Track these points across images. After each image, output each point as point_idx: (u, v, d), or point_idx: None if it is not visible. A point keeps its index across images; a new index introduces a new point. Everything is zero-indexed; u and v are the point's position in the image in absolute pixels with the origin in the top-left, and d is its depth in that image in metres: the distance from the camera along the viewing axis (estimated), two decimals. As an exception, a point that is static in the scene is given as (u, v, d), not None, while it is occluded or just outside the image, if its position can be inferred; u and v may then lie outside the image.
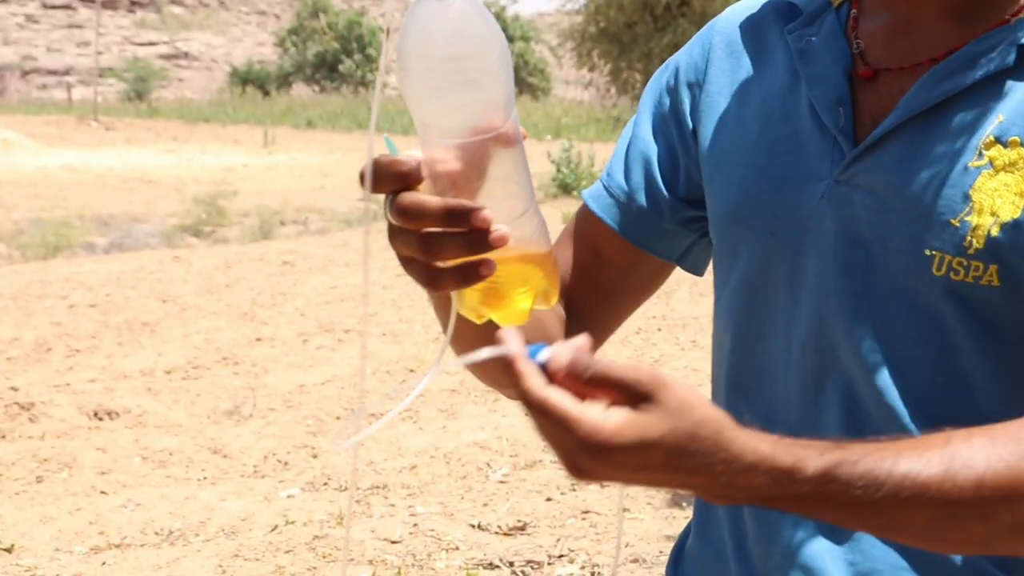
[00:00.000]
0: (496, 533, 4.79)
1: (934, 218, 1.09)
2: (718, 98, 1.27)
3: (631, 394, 0.90)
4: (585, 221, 1.35)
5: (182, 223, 16.27)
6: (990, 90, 1.10)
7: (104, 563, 4.66)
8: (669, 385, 0.90)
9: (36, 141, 29.40)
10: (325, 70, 54.98)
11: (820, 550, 1.16)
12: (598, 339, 1.31)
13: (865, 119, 1.16)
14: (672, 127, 1.31)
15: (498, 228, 0.96)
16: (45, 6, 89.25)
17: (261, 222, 16.34)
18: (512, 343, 0.92)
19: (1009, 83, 1.09)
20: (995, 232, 1.07)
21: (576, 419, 0.88)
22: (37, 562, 4.66)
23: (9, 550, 4.80)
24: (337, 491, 5.41)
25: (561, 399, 0.89)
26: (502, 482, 5.39)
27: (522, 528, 4.80)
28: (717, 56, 1.28)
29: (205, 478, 5.74)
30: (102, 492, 5.58)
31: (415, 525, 4.89)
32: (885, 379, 1.12)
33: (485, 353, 0.93)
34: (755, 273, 1.21)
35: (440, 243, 0.97)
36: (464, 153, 0.98)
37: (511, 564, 4.43)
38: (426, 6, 0.96)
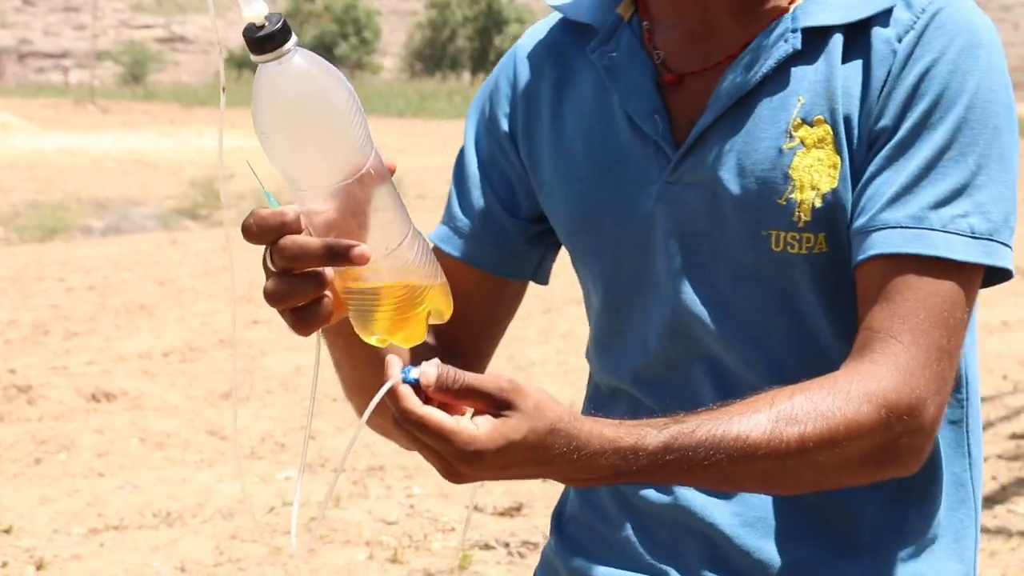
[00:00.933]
0: (491, 514, 4.80)
1: (763, 201, 1.19)
2: (535, 124, 1.32)
3: (493, 402, 1.00)
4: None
5: (179, 206, 16.26)
6: (786, 76, 1.19)
7: (102, 544, 4.66)
8: (525, 391, 1.00)
9: (33, 124, 29.34)
10: (322, 52, 54.84)
11: (709, 504, 1.23)
12: (480, 368, 1.39)
13: (681, 121, 1.23)
14: (499, 156, 1.35)
15: (363, 248, 1.01)
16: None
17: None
18: (392, 368, 1.01)
19: (802, 67, 1.19)
20: (818, 204, 1.17)
21: (452, 432, 0.99)
22: (35, 543, 4.66)
23: (8, 531, 4.80)
24: (334, 473, 5.41)
25: (438, 416, 1.00)
26: (497, 464, 5.41)
27: (517, 509, 4.81)
28: (523, 83, 1.33)
29: (203, 460, 5.74)
30: (100, 474, 5.58)
31: (411, 506, 4.90)
32: (747, 352, 1.21)
33: (380, 393, 1.01)
34: (609, 279, 1.28)
35: (299, 258, 1.04)
36: (334, 199, 1.03)
37: (507, 545, 4.44)
38: (267, 71, 1.02)
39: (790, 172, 1.18)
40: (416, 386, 1.01)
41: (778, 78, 1.20)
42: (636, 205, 1.25)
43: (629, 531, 1.29)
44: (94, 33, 52.94)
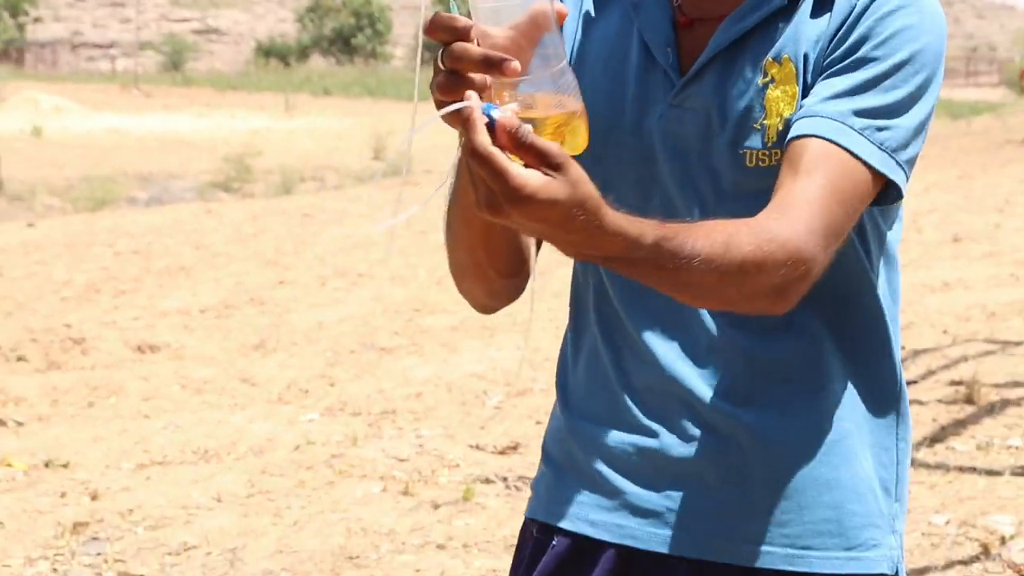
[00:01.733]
0: (492, 452, 4.81)
1: (743, 125, 1.27)
2: (575, 33, 1.38)
3: (547, 162, 1.00)
4: None
5: (214, 180, 16.19)
6: (770, 26, 1.28)
7: (148, 478, 4.67)
8: (573, 163, 1.02)
9: (84, 107, 29.20)
10: (340, 43, 54.61)
11: (692, 375, 1.29)
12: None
13: (686, 57, 1.32)
14: None
15: (515, 64, 1.03)
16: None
17: (283, 179, 16.27)
18: (473, 99, 1.02)
19: (782, 21, 1.28)
20: (781, 127, 1.26)
21: (512, 173, 0.99)
22: (90, 476, 4.67)
23: (66, 466, 4.81)
24: (352, 416, 5.41)
25: (502, 155, 0.99)
26: (497, 408, 5.41)
27: (515, 448, 4.82)
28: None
29: (236, 404, 5.74)
30: (146, 416, 5.58)
31: (420, 446, 4.91)
32: None
33: (453, 107, 1.02)
34: (612, 177, 1.31)
35: (464, 61, 1.05)
36: (503, 21, 1.07)
37: (505, 479, 4.44)
38: None
39: (764, 102, 1.27)
40: (489, 126, 1.01)
41: (764, 28, 1.29)
42: (643, 119, 1.32)
43: (626, 399, 1.32)
44: (138, 26, 52.61)
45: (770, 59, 1.27)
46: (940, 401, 5.06)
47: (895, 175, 1.23)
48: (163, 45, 55.82)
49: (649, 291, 1.26)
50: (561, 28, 1.09)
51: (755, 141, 1.27)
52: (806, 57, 1.26)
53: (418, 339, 6.79)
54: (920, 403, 5.05)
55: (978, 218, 10.16)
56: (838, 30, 1.25)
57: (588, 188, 1.03)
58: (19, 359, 6.56)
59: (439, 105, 1.07)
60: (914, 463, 4.38)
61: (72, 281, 8.67)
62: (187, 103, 32.83)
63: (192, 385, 6.05)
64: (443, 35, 1.06)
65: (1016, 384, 5.24)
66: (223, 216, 12.07)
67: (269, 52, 54.83)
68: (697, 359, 1.29)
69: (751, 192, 1.27)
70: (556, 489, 1.36)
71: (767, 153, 1.26)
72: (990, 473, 4.23)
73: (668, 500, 1.28)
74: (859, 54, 1.24)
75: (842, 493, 1.30)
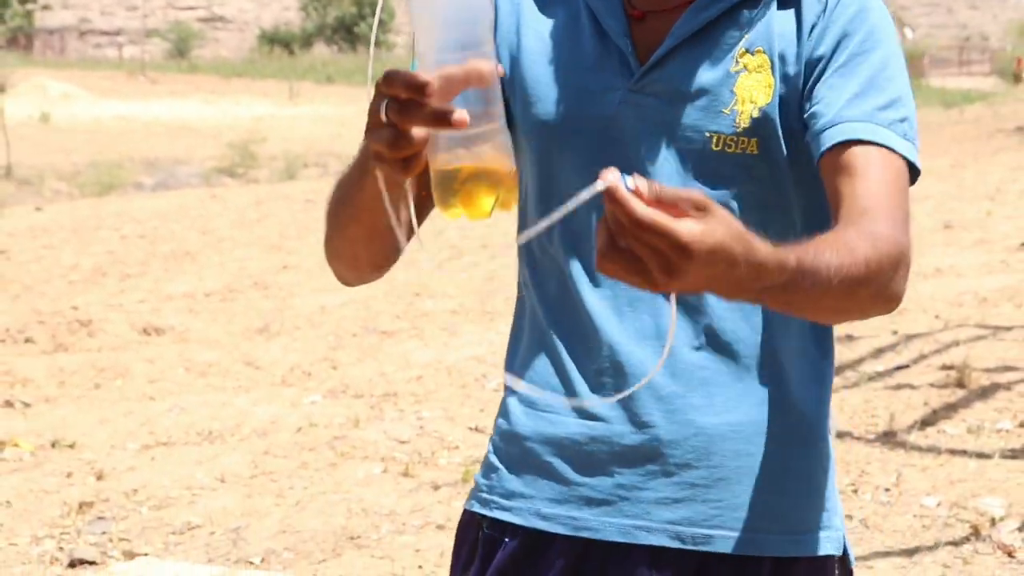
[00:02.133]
0: (491, 435, 4.80)
1: (710, 110, 1.28)
2: (516, 32, 1.36)
3: (696, 206, 0.96)
4: None
5: (218, 165, 16.18)
6: (735, 17, 1.29)
7: (153, 458, 4.66)
8: (714, 202, 0.98)
9: (92, 94, 29.13)
10: (343, 32, 54.47)
11: (643, 361, 1.27)
12: None
13: (641, 47, 1.32)
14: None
15: (462, 114, 1.01)
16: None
17: (287, 165, 16.24)
18: (611, 175, 0.95)
19: (747, 11, 1.29)
20: (755, 114, 1.27)
21: (677, 227, 0.94)
22: (96, 457, 4.66)
23: (72, 446, 4.80)
24: (354, 398, 5.41)
25: (660, 214, 0.94)
26: (496, 391, 5.40)
27: (513, 430, 4.81)
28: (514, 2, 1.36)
29: (239, 387, 5.74)
30: (151, 398, 5.58)
31: (421, 427, 4.90)
32: None
33: (599, 186, 0.95)
34: (575, 165, 1.30)
35: (412, 116, 1.03)
36: (446, 71, 1.04)
37: (503, 461, 4.44)
38: None
39: (735, 90, 1.28)
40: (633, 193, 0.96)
41: (728, 18, 1.29)
42: (602, 106, 1.31)
43: (576, 388, 1.30)
44: (144, 14, 52.49)
45: (743, 49, 1.28)
46: (932, 385, 5.05)
47: (918, 161, 1.27)
48: (169, 33, 55.65)
49: (597, 277, 1.28)
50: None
51: (722, 126, 1.27)
52: (783, 56, 1.28)
53: (419, 323, 6.78)
54: (912, 387, 5.05)
55: (970, 206, 10.14)
56: (814, 27, 1.27)
57: (736, 221, 0.99)
58: (27, 341, 6.55)
59: (377, 156, 1.05)
60: (905, 446, 4.38)
61: (79, 265, 8.66)
62: (193, 90, 32.75)
63: (197, 368, 6.04)
64: (401, 92, 1.02)
65: (1006, 368, 5.23)
66: (228, 201, 12.05)
67: (273, 40, 54.67)
68: (648, 345, 1.28)
69: (714, 177, 1.27)
70: (505, 483, 1.34)
71: (735, 139, 1.27)
72: (980, 456, 4.22)
73: (621, 489, 1.27)
74: (851, 47, 1.26)
75: (794, 477, 1.30)
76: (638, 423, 1.27)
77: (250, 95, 30.63)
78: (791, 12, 1.29)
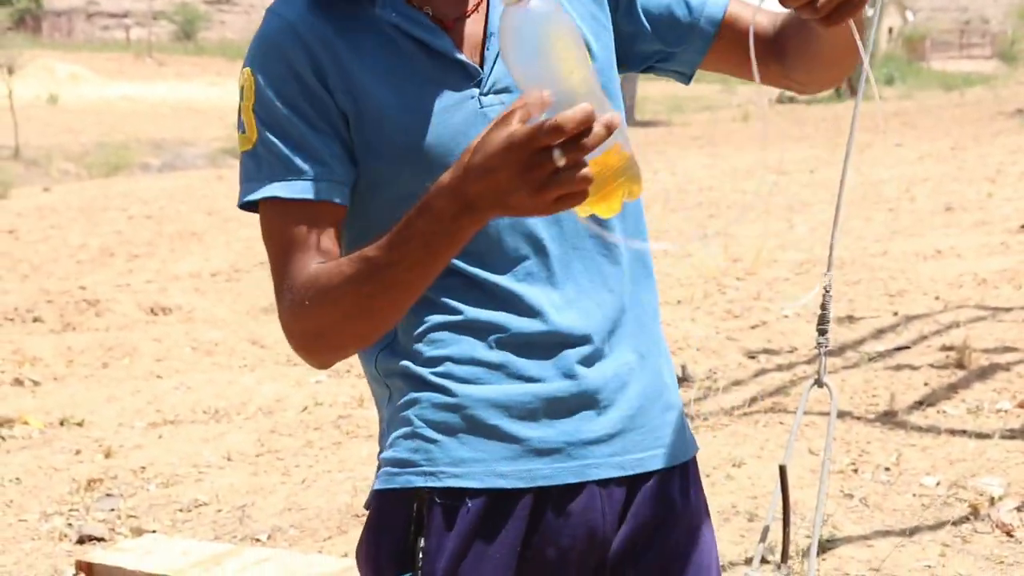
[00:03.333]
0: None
1: None
2: (342, 71, 1.31)
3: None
4: (314, 216, 1.31)
5: (224, 146, 16.15)
6: None
7: (160, 436, 4.66)
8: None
9: (99, 75, 29.07)
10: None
11: (572, 323, 1.35)
12: None
13: (468, 54, 1.33)
14: (314, 103, 1.30)
15: (613, 114, 1.08)
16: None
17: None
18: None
19: None
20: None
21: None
22: (104, 435, 4.67)
23: (80, 424, 4.80)
24: (358, 377, 5.40)
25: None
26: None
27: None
28: (314, 42, 1.30)
29: (245, 365, 5.73)
30: (158, 376, 5.58)
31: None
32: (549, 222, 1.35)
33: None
34: (420, 187, 1.25)
35: (585, 143, 1.08)
36: (576, 97, 1.10)
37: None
38: (515, 11, 1.10)
39: None
40: None
41: None
42: (463, 117, 1.31)
43: (511, 354, 1.35)
44: (151, -5, 52.31)
45: None
46: (932, 366, 5.04)
47: None
48: (176, 14, 55.49)
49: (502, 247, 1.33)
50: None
51: None
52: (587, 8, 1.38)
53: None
54: (912, 367, 5.04)
55: (970, 188, 10.11)
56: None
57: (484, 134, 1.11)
58: (35, 320, 6.56)
59: (569, 198, 1.10)
60: (905, 426, 4.37)
61: (87, 245, 8.65)
62: (199, 72, 32.69)
63: (203, 347, 6.04)
64: (573, 129, 1.06)
65: (1006, 349, 5.22)
66: (234, 182, 12.02)
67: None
68: (573, 308, 1.35)
69: None
70: (451, 452, 1.35)
71: None
72: (980, 436, 4.21)
73: (565, 435, 1.35)
74: None
75: (672, 391, 1.45)
76: (574, 376, 1.35)
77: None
78: None
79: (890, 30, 44.93)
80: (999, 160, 12.01)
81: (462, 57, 1.32)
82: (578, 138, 1.06)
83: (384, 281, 1.22)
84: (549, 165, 1.07)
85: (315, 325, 1.28)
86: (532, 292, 1.34)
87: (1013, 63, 32.76)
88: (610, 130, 1.08)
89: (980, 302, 6.12)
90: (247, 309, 6.82)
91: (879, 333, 5.64)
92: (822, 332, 1.74)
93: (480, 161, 1.12)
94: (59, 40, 48.30)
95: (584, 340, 1.35)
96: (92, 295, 6.95)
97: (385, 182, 1.33)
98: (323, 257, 1.29)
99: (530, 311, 1.34)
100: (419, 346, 1.35)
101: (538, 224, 1.34)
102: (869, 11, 1.40)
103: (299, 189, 1.30)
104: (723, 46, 1.47)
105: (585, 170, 1.08)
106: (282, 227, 1.31)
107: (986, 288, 6.42)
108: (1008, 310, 5.90)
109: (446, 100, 1.32)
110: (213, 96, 24.72)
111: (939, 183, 10.45)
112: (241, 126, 1.32)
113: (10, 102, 15.94)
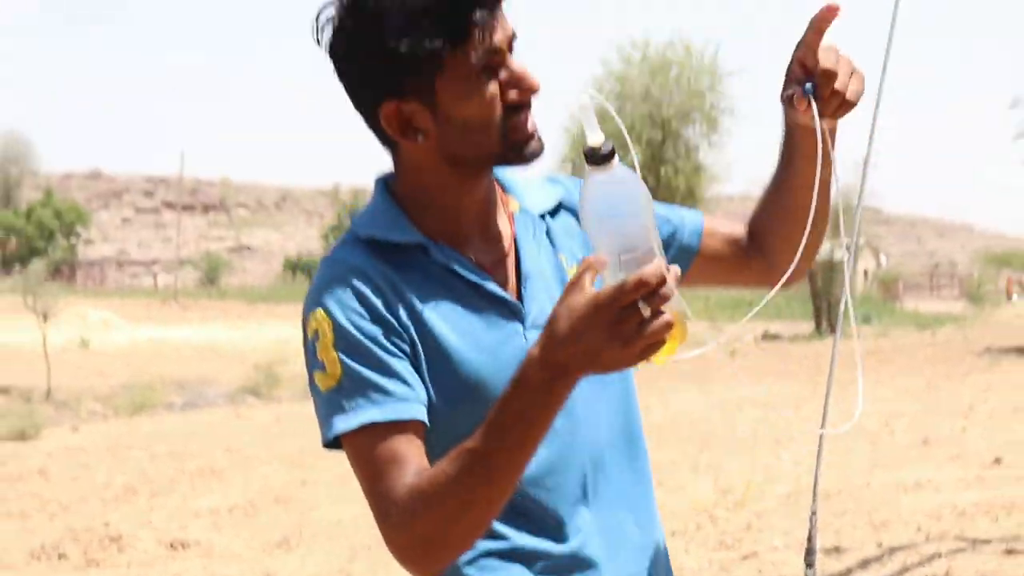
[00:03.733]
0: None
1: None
2: (414, 313, 1.36)
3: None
4: (406, 435, 1.31)
5: (244, 386, 16.30)
6: (546, 240, 1.47)
7: (178, 671, 4.60)
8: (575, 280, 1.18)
9: (128, 320, 29.59)
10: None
11: (600, 554, 1.42)
12: None
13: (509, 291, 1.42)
14: (391, 336, 1.34)
15: (676, 267, 1.16)
16: (137, 211, 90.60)
17: (306, 385, 16.33)
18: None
19: (544, 233, 1.47)
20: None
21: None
22: (123, 670, 4.60)
23: (100, 660, 4.74)
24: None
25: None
26: None
27: None
28: (384, 284, 1.36)
29: (261, 599, 5.69)
30: (177, 611, 5.53)
31: None
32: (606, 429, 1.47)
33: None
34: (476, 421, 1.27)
35: (663, 294, 1.14)
36: (643, 263, 1.17)
37: None
38: (598, 176, 1.18)
39: (567, 277, 1.46)
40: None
41: (546, 245, 1.47)
42: (508, 353, 1.36)
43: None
44: (177, 245, 53.78)
45: (562, 255, 1.46)
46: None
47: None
48: (200, 262, 56.82)
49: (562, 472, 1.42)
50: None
51: None
52: (575, 240, 1.50)
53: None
54: (897, 598, 5.01)
55: (945, 423, 10.21)
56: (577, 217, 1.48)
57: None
58: (60, 557, 6.53)
59: (655, 346, 1.14)
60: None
61: (112, 483, 8.68)
62: (221, 315, 33.27)
63: (220, 581, 6.00)
64: (656, 284, 1.12)
65: (986, 580, 5.20)
66: (252, 420, 12.13)
67: (296, 267, 55.81)
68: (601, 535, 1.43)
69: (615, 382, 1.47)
70: None
71: None
72: (964, 666, 4.17)
73: None
74: None
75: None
76: (626, 570, 1.43)
77: (274, 319, 31.06)
78: (561, 214, 1.50)
79: (865, 272, 45.93)
80: (971, 397, 12.16)
81: (508, 296, 1.39)
82: (657, 289, 1.11)
83: (489, 467, 1.21)
84: (636, 317, 1.11)
85: (424, 531, 1.24)
86: (574, 517, 1.40)
87: (980, 304, 33.44)
88: (676, 281, 1.14)
89: (960, 533, 6.12)
90: (262, 544, 6.80)
91: (865, 563, 5.63)
92: (809, 564, 1.79)
93: (567, 326, 1.14)
94: (92, 288, 49.31)
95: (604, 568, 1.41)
96: (115, 531, 6.94)
97: (438, 421, 1.34)
98: (419, 472, 1.27)
99: (566, 536, 1.39)
100: (469, 570, 1.37)
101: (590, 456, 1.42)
102: (844, 254, 1.46)
103: (392, 411, 1.30)
104: (705, 259, 1.58)
105: (667, 316, 1.12)
106: (379, 450, 1.29)
107: (965, 520, 6.43)
108: (987, 542, 5.90)
109: (498, 336, 1.37)
110: (234, 338, 25.09)
111: (915, 418, 10.56)
112: (319, 365, 1.35)
113: (44, 348, 16.23)
